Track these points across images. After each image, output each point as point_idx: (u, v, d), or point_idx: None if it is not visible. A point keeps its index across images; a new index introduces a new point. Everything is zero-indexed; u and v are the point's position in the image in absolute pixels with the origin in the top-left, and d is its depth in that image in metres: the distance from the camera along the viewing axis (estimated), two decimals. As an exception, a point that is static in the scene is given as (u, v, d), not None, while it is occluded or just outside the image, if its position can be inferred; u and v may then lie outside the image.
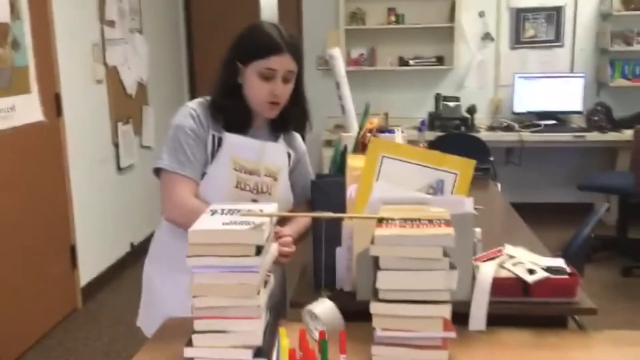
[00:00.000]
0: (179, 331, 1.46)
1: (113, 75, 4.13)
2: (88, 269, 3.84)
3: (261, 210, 1.34)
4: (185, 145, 1.68)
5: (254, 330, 1.26)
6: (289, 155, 1.82)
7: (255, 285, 1.25)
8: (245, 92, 1.70)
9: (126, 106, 4.30)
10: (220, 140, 1.71)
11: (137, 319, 1.92)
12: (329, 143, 5.20)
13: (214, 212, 1.35)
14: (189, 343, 1.27)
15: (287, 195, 1.79)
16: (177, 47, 5.53)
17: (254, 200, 1.70)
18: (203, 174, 1.70)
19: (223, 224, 1.27)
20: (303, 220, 1.78)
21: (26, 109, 3.17)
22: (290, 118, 1.78)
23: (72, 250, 3.66)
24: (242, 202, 1.61)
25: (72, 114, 3.62)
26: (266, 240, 1.28)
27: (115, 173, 4.25)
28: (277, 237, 1.57)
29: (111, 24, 4.07)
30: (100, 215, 4.04)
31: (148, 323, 1.77)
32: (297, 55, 1.69)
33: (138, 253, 4.45)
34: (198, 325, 1.27)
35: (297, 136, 1.88)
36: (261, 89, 1.66)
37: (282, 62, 1.65)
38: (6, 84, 3.00)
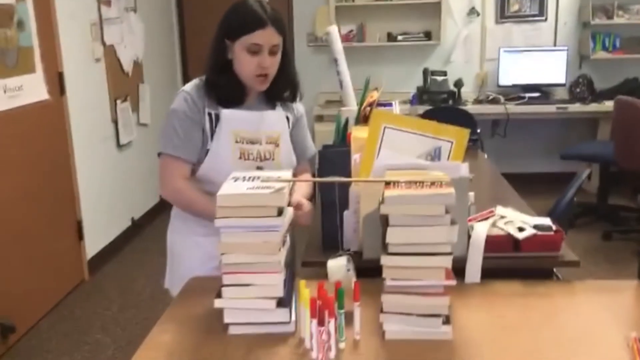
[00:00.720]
0: (203, 288, 1.62)
1: (111, 54, 4.21)
2: (93, 243, 3.97)
3: (279, 177, 1.49)
4: (179, 129, 1.78)
5: (276, 283, 1.41)
6: (288, 119, 1.91)
7: (277, 243, 1.39)
8: (235, 68, 1.78)
9: (123, 84, 4.38)
10: (217, 116, 1.79)
11: (165, 281, 2.04)
12: (320, 118, 5.32)
13: (236, 179, 1.49)
14: (218, 295, 1.42)
15: (289, 159, 1.90)
16: (170, 25, 5.59)
17: (259, 168, 1.82)
18: (206, 151, 1.80)
19: (247, 188, 1.41)
20: (305, 183, 1.91)
21: (32, 88, 3.26)
22: (281, 88, 1.87)
23: (79, 224, 3.78)
24: (247, 170, 1.74)
25: (74, 92, 3.71)
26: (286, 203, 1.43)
27: (116, 150, 4.35)
28: (295, 206, 1.67)
29: (107, 3, 4.14)
30: (103, 191, 4.15)
31: (175, 283, 1.89)
32: (281, 28, 1.76)
33: (138, 227, 4.59)
34: (226, 279, 1.40)
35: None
36: (250, 63, 1.74)
37: (267, 36, 1.72)
38: (13, 64, 3.09)
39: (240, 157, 1.81)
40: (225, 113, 1.80)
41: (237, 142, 1.80)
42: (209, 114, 1.80)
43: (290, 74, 1.88)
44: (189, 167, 1.81)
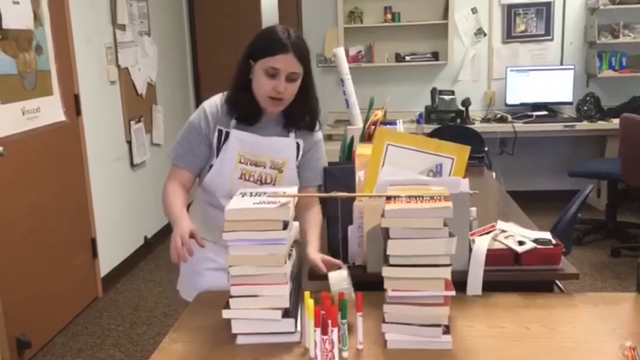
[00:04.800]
0: (211, 301, 1.68)
1: (125, 77, 4.32)
2: (107, 260, 4.04)
3: (284, 192, 1.55)
4: (186, 141, 1.88)
5: (282, 294, 1.46)
6: (298, 146, 1.91)
7: (283, 255, 1.45)
8: (253, 87, 1.82)
9: (137, 105, 4.48)
10: (227, 134, 1.85)
11: (178, 284, 2.13)
12: (329, 137, 5.39)
13: (244, 195, 1.56)
14: (227, 306, 1.48)
15: (291, 187, 1.89)
16: (182, 48, 5.71)
17: None
18: (210, 166, 1.87)
19: (254, 203, 1.48)
20: (316, 229, 1.84)
21: (49, 110, 3.36)
22: (299, 116, 1.88)
23: (93, 242, 3.86)
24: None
25: (90, 113, 3.81)
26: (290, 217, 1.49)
27: (129, 170, 4.43)
28: (327, 265, 1.67)
29: (122, 27, 4.26)
30: (117, 210, 4.23)
31: (181, 283, 2.08)
32: (303, 56, 1.79)
33: (151, 246, 4.67)
34: (234, 290, 1.46)
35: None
36: (265, 84, 1.77)
37: (286, 62, 1.75)
38: (32, 87, 3.19)
39: (240, 177, 1.87)
40: (234, 133, 1.85)
41: (240, 162, 1.86)
42: (219, 131, 1.86)
43: (310, 103, 1.89)
44: (188, 175, 1.90)
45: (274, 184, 1.88)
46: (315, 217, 1.88)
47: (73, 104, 3.63)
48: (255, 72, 1.80)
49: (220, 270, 1.89)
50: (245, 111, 1.85)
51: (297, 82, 1.81)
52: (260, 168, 1.88)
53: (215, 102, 1.90)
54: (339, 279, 1.60)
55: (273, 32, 1.80)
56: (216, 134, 1.87)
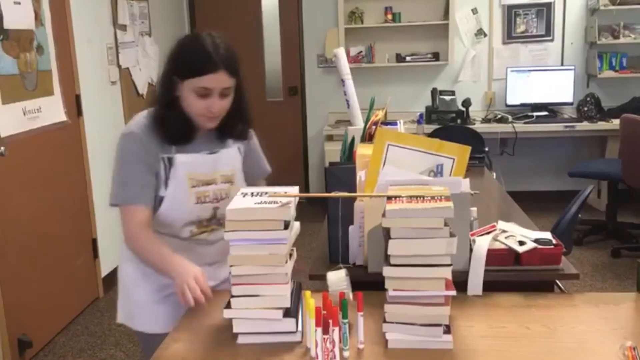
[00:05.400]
0: (212, 301, 1.67)
1: (126, 77, 4.33)
2: (108, 261, 4.04)
3: (285, 192, 1.56)
4: (133, 176, 1.67)
5: (283, 294, 1.46)
6: (239, 150, 1.85)
7: (284, 255, 1.45)
8: (183, 105, 1.67)
9: (138, 106, 4.44)
10: (170, 160, 1.70)
11: (117, 315, 1.93)
12: (330, 137, 5.40)
13: (244, 195, 1.56)
14: (228, 305, 1.48)
15: None
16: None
17: (215, 208, 1.78)
18: (161, 198, 1.70)
19: (255, 203, 1.48)
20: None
21: (50, 110, 3.37)
22: (233, 126, 1.77)
23: (94, 242, 3.87)
24: (203, 214, 1.75)
25: (91, 113, 3.82)
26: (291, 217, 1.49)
27: (129, 170, 4.43)
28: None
29: (123, 27, 4.27)
30: (117, 211, 4.22)
31: (130, 315, 1.87)
32: (234, 70, 1.65)
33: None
34: (235, 290, 1.46)
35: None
36: (197, 104, 1.64)
37: (217, 80, 1.62)
38: (33, 87, 3.20)
39: (197, 202, 1.74)
40: (180, 158, 1.71)
41: (193, 186, 1.73)
42: (163, 159, 1.70)
43: (243, 111, 1.77)
44: (149, 212, 1.70)
45: (228, 197, 1.78)
46: None
47: (74, 104, 3.64)
48: (183, 91, 1.65)
49: (167, 305, 1.80)
50: (177, 131, 1.69)
51: (230, 96, 1.69)
52: (212, 186, 1.76)
53: (145, 125, 1.70)
54: (338, 279, 1.60)
55: (200, 48, 1.63)
56: (161, 162, 1.70)
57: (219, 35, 1.67)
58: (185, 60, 1.64)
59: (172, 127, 1.68)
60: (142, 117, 1.72)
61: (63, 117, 3.49)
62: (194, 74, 1.61)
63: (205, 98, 1.63)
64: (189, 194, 1.72)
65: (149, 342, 1.57)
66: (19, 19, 3.10)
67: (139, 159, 1.68)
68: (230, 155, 1.81)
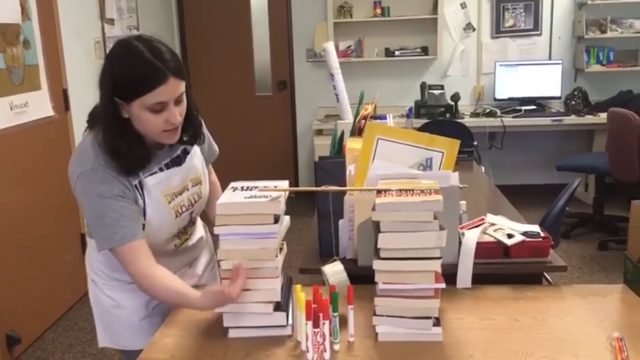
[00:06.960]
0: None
1: (113, 71, 4.30)
2: (96, 256, 4.02)
3: (275, 187, 1.56)
4: (122, 213, 1.50)
5: (274, 288, 1.47)
6: (200, 148, 1.78)
7: (274, 249, 1.45)
8: (137, 127, 1.50)
9: (126, 100, 4.46)
10: (141, 184, 1.56)
11: (99, 340, 1.82)
12: (320, 132, 5.40)
13: (235, 189, 1.56)
14: (218, 300, 1.48)
15: (207, 187, 1.80)
16: (172, 43, 5.68)
17: (191, 212, 1.74)
18: (143, 225, 1.56)
19: (245, 197, 1.48)
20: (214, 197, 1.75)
21: (37, 105, 3.34)
22: (184, 132, 1.60)
23: (83, 238, 3.84)
24: (182, 223, 1.69)
25: (78, 108, 3.79)
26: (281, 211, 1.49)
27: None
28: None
29: (111, 22, 4.24)
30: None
31: (114, 337, 1.78)
32: (181, 72, 1.48)
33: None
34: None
35: None
36: (154, 121, 1.47)
37: (169, 90, 1.44)
38: (20, 82, 3.18)
39: (176, 217, 1.66)
40: (150, 181, 1.57)
41: (169, 202, 1.62)
42: (135, 186, 1.55)
43: (193, 115, 1.62)
44: (146, 243, 1.54)
45: (200, 197, 1.74)
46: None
47: (62, 99, 3.62)
48: (133, 112, 1.46)
49: (155, 316, 1.72)
50: (137, 160, 1.53)
51: (185, 101, 1.53)
52: (185, 193, 1.68)
53: (98, 158, 1.51)
54: (335, 270, 1.60)
55: (138, 60, 1.42)
56: (136, 191, 1.55)
57: (150, 37, 1.50)
58: (126, 80, 1.43)
59: (131, 157, 1.50)
60: (89, 148, 1.53)
61: (50, 112, 3.46)
62: (142, 92, 1.42)
63: (161, 112, 1.46)
64: (168, 211, 1.62)
65: (136, 356, 1.50)
66: (5, 12, 3.07)
67: (114, 193, 1.49)
68: (195, 159, 1.73)
